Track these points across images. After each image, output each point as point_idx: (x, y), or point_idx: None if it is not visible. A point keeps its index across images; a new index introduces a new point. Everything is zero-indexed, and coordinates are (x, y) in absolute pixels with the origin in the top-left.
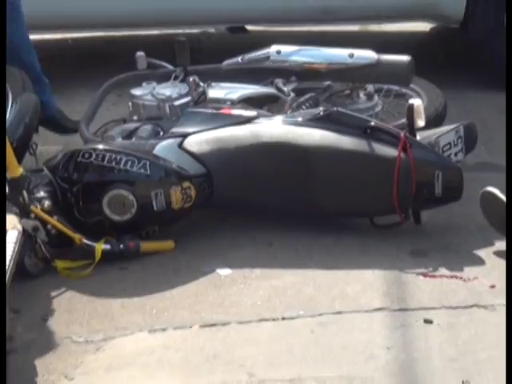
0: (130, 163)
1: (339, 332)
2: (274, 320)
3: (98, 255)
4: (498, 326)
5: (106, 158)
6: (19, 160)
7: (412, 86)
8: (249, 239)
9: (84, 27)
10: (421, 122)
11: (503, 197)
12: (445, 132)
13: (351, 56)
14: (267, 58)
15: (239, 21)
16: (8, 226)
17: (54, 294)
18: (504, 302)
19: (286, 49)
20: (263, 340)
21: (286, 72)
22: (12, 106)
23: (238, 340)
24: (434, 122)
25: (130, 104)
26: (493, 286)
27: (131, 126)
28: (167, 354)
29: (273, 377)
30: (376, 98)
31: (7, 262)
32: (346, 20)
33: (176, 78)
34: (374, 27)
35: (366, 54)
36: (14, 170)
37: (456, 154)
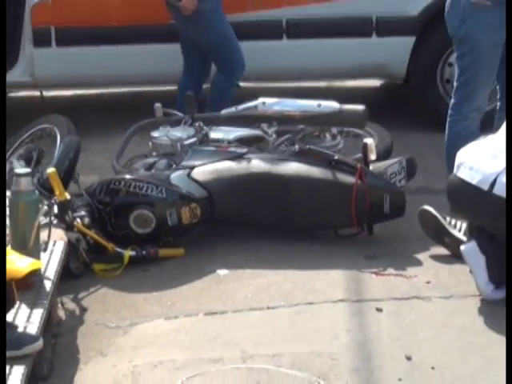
0: (150, 189)
1: (311, 318)
2: (260, 309)
3: (125, 260)
4: (433, 313)
5: (132, 185)
6: (65, 187)
7: (366, 128)
8: (242, 247)
9: (116, 84)
10: (373, 156)
11: (436, 213)
12: (391, 164)
13: (319, 106)
14: (255, 107)
15: None
16: (56, 237)
17: (91, 289)
18: (437, 294)
19: (269, 100)
20: (252, 325)
21: (270, 118)
22: (60, 145)
23: (233, 325)
24: (382, 156)
25: (150, 143)
26: (428, 282)
27: (151, 160)
28: (179, 336)
29: (260, 353)
30: (339, 137)
31: (56, 266)
32: (315, 78)
33: (185, 123)
34: (338, 83)
35: (331, 104)
36: (62, 194)
37: (400, 181)
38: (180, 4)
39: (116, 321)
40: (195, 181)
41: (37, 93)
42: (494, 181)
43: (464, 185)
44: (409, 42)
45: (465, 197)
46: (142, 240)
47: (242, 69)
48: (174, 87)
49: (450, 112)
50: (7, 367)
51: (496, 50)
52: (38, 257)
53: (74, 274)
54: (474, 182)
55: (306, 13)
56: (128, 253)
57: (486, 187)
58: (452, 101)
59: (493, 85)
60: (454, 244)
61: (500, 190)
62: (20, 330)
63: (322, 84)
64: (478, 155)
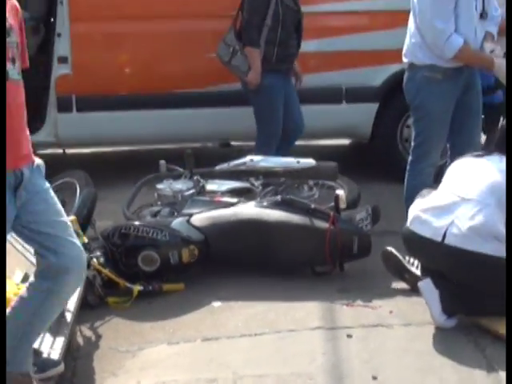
0: (155, 233)
1: (292, 344)
2: (249, 336)
3: (134, 294)
4: (395, 339)
5: (140, 230)
6: (84, 231)
7: (337, 181)
8: (233, 282)
9: (127, 143)
10: (343, 205)
11: (396, 253)
12: (359, 211)
13: (298, 162)
14: (244, 164)
15: (227, 138)
16: None
17: (106, 319)
18: (398, 322)
19: (256, 158)
20: (242, 349)
21: (256, 173)
22: (79, 196)
23: (226, 349)
24: (351, 204)
25: (156, 194)
26: (391, 312)
27: (156, 208)
28: (179, 359)
29: (248, 374)
30: (315, 189)
31: (75, 299)
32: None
33: (185, 177)
34: (314, 142)
35: (308, 161)
36: (81, 238)
37: (366, 225)
38: (246, 78)
39: (126, 346)
40: (193, 226)
41: (60, 150)
42: (445, 233)
43: (418, 237)
44: (373, 107)
45: (419, 247)
46: (149, 276)
47: (271, 142)
48: (176, 146)
49: (408, 167)
50: None
51: (446, 116)
52: None
53: (90, 305)
54: (427, 235)
55: None
56: (137, 288)
57: (439, 239)
58: (410, 158)
59: (443, 144)
60: (412, 279)
61: (451, 240)
62: (45, 355)
63: (300, 142)
64: (428, 210)
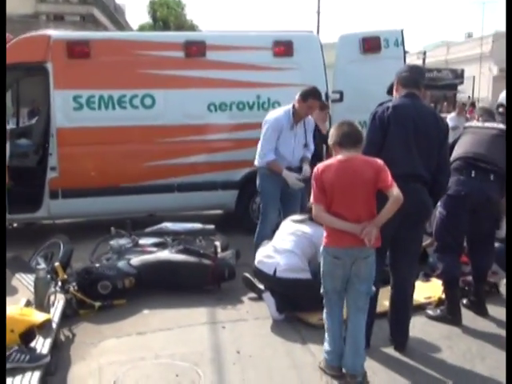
0: (108, 270)
1: (190, 333)
2: (165, 330)
3: (96, 307)
4: (250, 328)
5: (99, 269)
6: (65, 270)
7: (216, 236)
8: (157, 298)
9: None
10: (219, 250)
11: (250, 277)
12: (228, 253)
13: (193, 226)
14: (161, 228)
15: (151, 212)
16: (59, 298)
17: (78, 324)
18: (253, 317)
19: (169, 224)
20: (161, 338)
21: (169, 233)
22: (63, 249)
23: (151, 339)
24: (224, 249)
25: (109, 247)
26: (247, 311)
27: (109, 255)
28: (123, 347)
29: (164, 353)
30: (203, 241)
31: (59, 314)
32: (191, 209)
33: (126, 236)
34: (203, 212)
35: (198, 225)
36: (62, 276)
37: (233, 261)
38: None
39: (90, 340)
40: (132, 265)
41: (51, 221)
42: (275, 269)
43: (260, 271)
44: (235, 192)
45: (262, 277)
46: (105, 297)
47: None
48: (120, 217)
49: (258, 229)
50: (32, 372)
51: (276, 196)
52: (48, 311)
53: (68, 316)
54: (265, 270)
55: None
56: (97, 304)
57: (271, 273)
58: (259, 221)
59: (277, 212)
60: (259, 292)
61: (278, 273)
62: (38, 351)
63: (196, 213)
64: (265, 255)
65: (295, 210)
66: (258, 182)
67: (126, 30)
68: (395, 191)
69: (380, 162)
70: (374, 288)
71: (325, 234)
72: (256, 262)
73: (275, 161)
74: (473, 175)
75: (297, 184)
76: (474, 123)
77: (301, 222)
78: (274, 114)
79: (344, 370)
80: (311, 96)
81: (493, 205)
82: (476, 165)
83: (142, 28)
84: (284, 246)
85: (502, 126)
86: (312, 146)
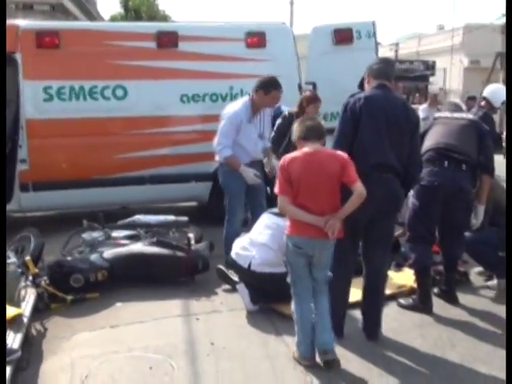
0: (80, 264)
1: (164, 325)
2: (138, 323)
3: (68, 301)
4: (224, 319)
5: (71, 262)
6: (36, 264)
7: (190, 228)
8: (128, 290)
9: (65, 209)
10: (193, 242)
11: (224, 269)
12: (202, 244)
13: (166, 218)
14: (134, 220)
15: (123, 204)
16: (30, 292)
17: (50, 318)
18: (227, 309)
19: (141, 216)
20: (133, 331)
21: (142, 225)
22: (34, 243)
23: (124, 332)
24: (198, 241)
25: (81, 240)
26: (222, 303)
27: (81, 248)
28: (95, 340)
29: (137, 346)
30: (176, 233)
31: (30, 308)
32: (164, 202)
33: (98, 229)
34: (177, 204)
35: (171, 217)
36: (33, 270)
37: (206, 253)
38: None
39: (62, 333)
40: (104, 258)
41: (22, 214)
42: (250, 262)
43: (235, 263)
44: (209, 184)
45: (237, 268)
46: (77, 290)
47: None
48: (92, 209)
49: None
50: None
51: (242, 190)
52: (19, 306)
53: (40, 310)
54: (240, 262)
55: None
56: (69, 297)
57: (246, 266)
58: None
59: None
60: (233, 284)
61: (253, 266)
62: (8, 346)
63: (169, 205)
64: (241, 247)
65: (261, 203)
66: (220, 179)
67: (97, 21)
68: (359, 186)
69: (345, 155)
70: (329, 273)
71: (288, 223)
72: (232, 254)
73: (232, 156)
74: (446, 165)
75: (254, 180)
76: (444, 114)
77: (278, 214)
78: (231, 108)
79: (317, 352)
80: (273, 87)
81: (465, 195)
82: (448, 155)
83: (113, 18)
84: (260, 240)
85: (471, 116)
86: (267, 134)
